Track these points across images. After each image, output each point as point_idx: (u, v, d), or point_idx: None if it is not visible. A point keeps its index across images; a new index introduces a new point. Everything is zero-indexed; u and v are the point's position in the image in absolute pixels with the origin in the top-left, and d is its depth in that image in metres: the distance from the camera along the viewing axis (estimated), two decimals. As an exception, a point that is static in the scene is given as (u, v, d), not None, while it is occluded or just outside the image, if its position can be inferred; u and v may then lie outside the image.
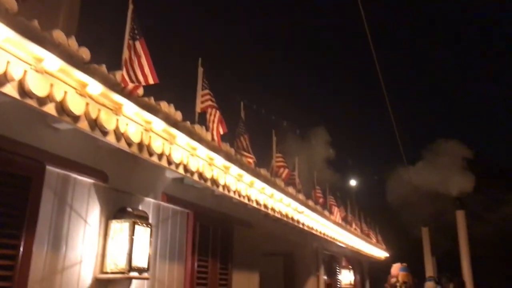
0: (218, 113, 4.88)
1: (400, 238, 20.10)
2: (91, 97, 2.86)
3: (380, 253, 15.63)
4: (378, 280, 14.74)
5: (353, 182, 19.98)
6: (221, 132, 4.82)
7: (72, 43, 2.71)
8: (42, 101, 2.56)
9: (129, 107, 3.13)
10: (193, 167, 4.00)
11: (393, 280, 10.00)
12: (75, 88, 2.76)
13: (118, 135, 3.15)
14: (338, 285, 11.28)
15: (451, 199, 16.01)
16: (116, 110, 3.07)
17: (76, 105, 2.73)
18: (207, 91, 5.01)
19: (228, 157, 4.52)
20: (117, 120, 3.08)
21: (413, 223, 19.34)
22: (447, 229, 17.36)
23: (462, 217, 15.09)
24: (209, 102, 4.97)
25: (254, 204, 5.46)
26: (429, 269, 16.58)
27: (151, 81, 3.41)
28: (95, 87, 2.80)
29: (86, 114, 2.84)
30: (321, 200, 8.86)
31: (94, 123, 2.92)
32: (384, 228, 17.93)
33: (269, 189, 5.71)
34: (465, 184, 17.05)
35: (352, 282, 12.00)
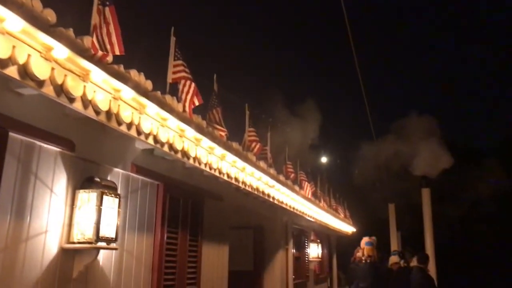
0: (193, 85, 4.80)
1: (368, 214, 20.67)
2: (56, 62, 2.74)
3: (347, 228, 16.04)
4: (345, 254, 15.14)
5: (323, 159, 20.25)
6: (197, 103, 4.76)
7: (36, 3, 2.57)
8: (4, 63, 2.44)
9: (97, 73, 3.03)
10: (163, 138, 3.94)
11: (358, 254, 10.29)
12: (39, 52, 2.65)
13: (86, 102, 3.05)
14: (306, 259, 11.56)
15: (418, 177, 16.40)
16: (84, 76, 2.97)
17: (40, 69, 2.62)
18: (180, 61, 4.90)
19: (199, 129, 4.48)
20: (84, 87, 2.98)
21: (380, 200, 19.85)
22: (413, 206, 17.90)
23: (427, 194, 15.46)
24: (183, 74, 4.88)
25: (225, 177, 5.46)
26: (394, 244, 17.14)
27: (117, 52, 3.31)
28: (61, 51, 2.69)
29: (51, 79, 2.73)
30: (292, 175, 8.96)
31: (60, 89, 2.81)
32: (352, 204, 18.37)
33: (240, 163, 5.71)
34: (432, 163, 17.44)
35: (320, 256, 12.32)
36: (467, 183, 25.80)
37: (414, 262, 9.09)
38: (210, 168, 5.03)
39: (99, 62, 3.06)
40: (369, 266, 9.18)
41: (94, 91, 3.10)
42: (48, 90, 2.73)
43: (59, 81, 2.77)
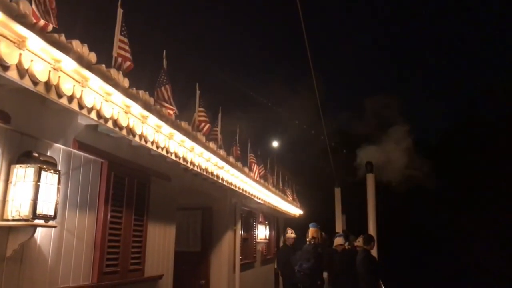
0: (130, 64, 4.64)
1: (315, 197, 21.19)
2: (-12, 26, 2.55)
3: (295, 210, 16.36)
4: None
5: (274, 142, 20.47)
6: None
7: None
8: None
9: (34, 41, 2.85)
10: (107, 113, 3.80)
11: (287, 235, 10.65)
12: (-32, 14, 2.45)
13: (22, 71, 2.87)
14: (254, 240, 11.71)
15: (363, 163, 16.94)
16: (19, 43, 2.79)
17: (-31, 33, 2.43)
18: (126, 39, 4.72)
19: (146, 106, 4.35)
20: (20, 54, 2.80)
21: (327, 184, 20.40)
22: (359, 191, 18.53)
23: (372, 180, 15.99)
24: (123, 51, 4.71)
25: (173, 157, 5.37)
26: (339, 226, 17.74)
27: (51, 23, 3.12)
28: (-8, 14, 2.50)
29: (-19, 44, 2.54)
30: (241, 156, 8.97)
31: (-8, 55, 2.63)
32: (301, 187, 18.75)
33: (189, 143, 5.63)
34: (372, 153, 18.06)
35: (267, 237, 12.52)
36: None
37: (359, 243, 9.46)
38: (157, 147, 4.92)
39: (38, 30, 2.88)
40: (313, 247, 9.45)
41: (32, 60, 2.92)
42: (-22, 56, 2.54)
43: (-9, 46, 2.58)
